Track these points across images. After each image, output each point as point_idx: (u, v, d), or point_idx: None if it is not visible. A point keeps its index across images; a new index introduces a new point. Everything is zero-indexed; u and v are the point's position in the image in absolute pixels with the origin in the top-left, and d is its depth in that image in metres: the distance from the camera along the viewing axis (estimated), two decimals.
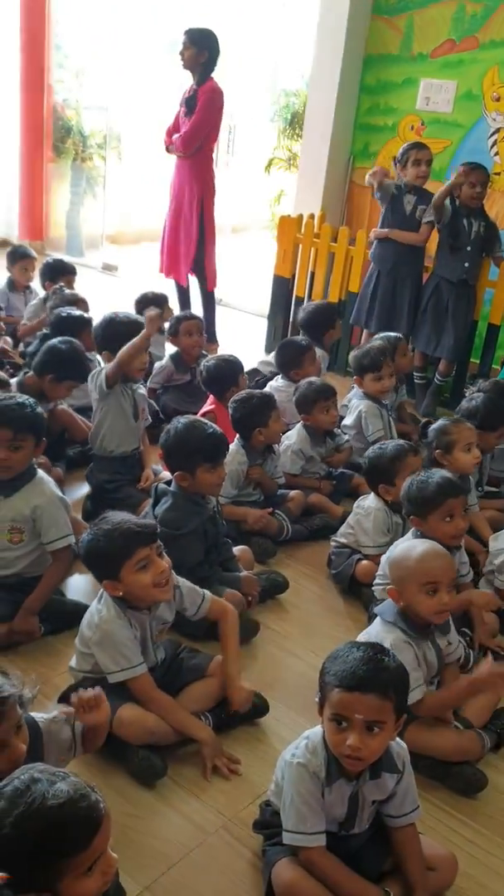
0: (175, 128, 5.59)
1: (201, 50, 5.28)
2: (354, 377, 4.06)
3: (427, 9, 5.23)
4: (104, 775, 2.19)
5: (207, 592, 2.45)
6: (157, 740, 2.21)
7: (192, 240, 5.63)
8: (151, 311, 3.43)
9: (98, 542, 2.19)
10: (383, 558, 2.74)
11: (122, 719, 2.16)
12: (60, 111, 7.81)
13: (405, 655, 2.16)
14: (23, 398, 2.66)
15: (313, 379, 3.82)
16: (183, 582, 2.40)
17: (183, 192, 5.61)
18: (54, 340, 3.65)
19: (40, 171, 7.80)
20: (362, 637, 2.31)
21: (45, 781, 1.32)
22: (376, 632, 2.30)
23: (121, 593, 2.20)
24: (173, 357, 4.52)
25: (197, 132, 5.38)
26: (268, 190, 9.67)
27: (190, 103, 5.42)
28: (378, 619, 2.34)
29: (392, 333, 4.43)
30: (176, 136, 5.51)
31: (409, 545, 2.36)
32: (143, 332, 3.33)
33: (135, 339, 3.30)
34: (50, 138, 7.77)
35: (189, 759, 2.28)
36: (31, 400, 2.68)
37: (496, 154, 5.13)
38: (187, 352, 4.47)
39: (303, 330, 4.63)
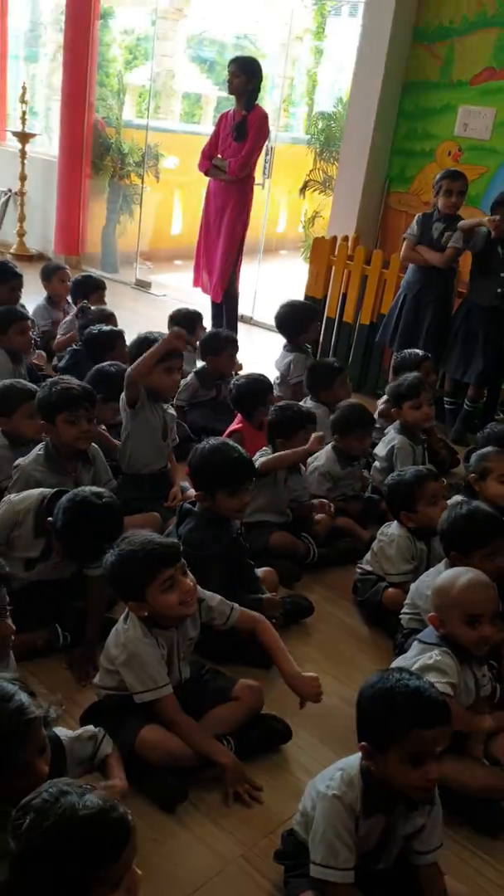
0: (211, 151, 5.70)
1: (250, 78, 5.48)
2: (392, 409, 4.01)
3: (468, 36, 5.24)
4: (123, 797, 2.16)
5: (236, 604, 2.44)
6: (178, 763, 2.19)
7: (230, 259, 5.74)
8: (176, 329, 3.44)
9: (122, 564, 2.18)
10: (412, 587, 2.71)
11: (145, 741, 2.14)
12: (101, 129, 7.90)
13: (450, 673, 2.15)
14: None
15: (355, 403, 3.81)
16: (209, 595, 2.39)
17: (222, 212, 5.70)
18: (104, 364, 3.70)
19: (78, 187, 7.89)
20: (398, 664, 2.28)
21: (73, 794, 1.31)
22: (414, 654, 2.27)
23: (146, 613, 2.19)
24: (198, 373, 4.54)
25: (251, 156, 5.57)
26: (302, 211, 9.71)
27: (240, 129, 5.54)
28: (416, 644, 2.32)
29: (417, 350, 4.44)
30: (217, 158, 5.65)
31: (454, 573, 2.31)
32: (156, 346, 3.29)
33: (145, 355, 3.28)
34: (89, 155, 7.86)
35: (210, 783, 2.25)
36: None
37: None
38: (221, 368, 4.48)
39: (278, 328, 4.80)
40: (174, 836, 2.11)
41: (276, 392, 4.45)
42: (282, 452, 3.34)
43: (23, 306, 4.77)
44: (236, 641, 2.62)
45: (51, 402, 2.92)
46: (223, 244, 5.72)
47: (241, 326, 6.53)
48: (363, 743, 1.75)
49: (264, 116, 5.58)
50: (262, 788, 2.28)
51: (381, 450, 3.96)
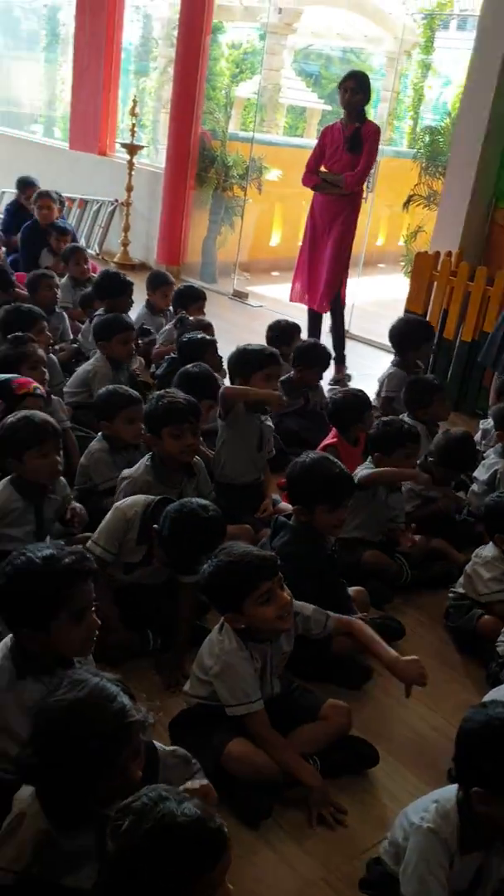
0: (316, 165, 5.69)
1: (367, 94, 5.55)
2: (496, 432, 3.92)
3: None
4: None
5: (330, 612, 2.42)
6: (264, 779, 2.17)
7: (339, 272, 5.77)
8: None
9: (220, 575, 2.17)
10: None
11: (231, 754, 2.13)
12: (207, 141, 8.02)
13: None
14: None
15: (464, 434, 3.75)
16: (303, 605, 2.37)
17: (330, 226, 5.69)
18: (187, 366, 3.72)
19: (182, 198, 8.02)
20: (492, 696, 2.21)
21: (172, 800, 1.31)
22: None
23: (242, 626, 2.18)
24: (283, 383, 4.52)
25: (367, 170, 5.59)
26: (404, 226, 9.61)
27: (354, 140, 5.54)
28: None
29: None
30: (325, 172, 5.65)
31: None
32: (255, 392, 3.45)
33: (266, 393, 3.44)
34: (194, 167, 7.98)
35: (294, 802, 2.22)
36: None
37: None
38: (310, 381, 4.48)
39: (390, 340, 4.79)
40: (256, 853, 2.09)
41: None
42: (387, 469, 3.28)
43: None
44: (327, 659, 2.59)
45: (157, 416, 2.95)
46: (332, 257, 5.71)
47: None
48: (477, 789, 1.67)
49: (377, 130, 5.59)
50: (346, 812, 2.24)
51: (481, 473, 3.85)
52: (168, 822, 1.27)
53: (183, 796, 1.33)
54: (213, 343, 4.19)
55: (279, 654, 2.31)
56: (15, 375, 3.20)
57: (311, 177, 5.73)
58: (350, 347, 6.26)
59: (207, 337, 4.27)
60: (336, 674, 2.65)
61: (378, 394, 4.74)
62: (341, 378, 5.81)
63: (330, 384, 5.44)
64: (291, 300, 6.16)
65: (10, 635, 1.94)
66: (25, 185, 6.87)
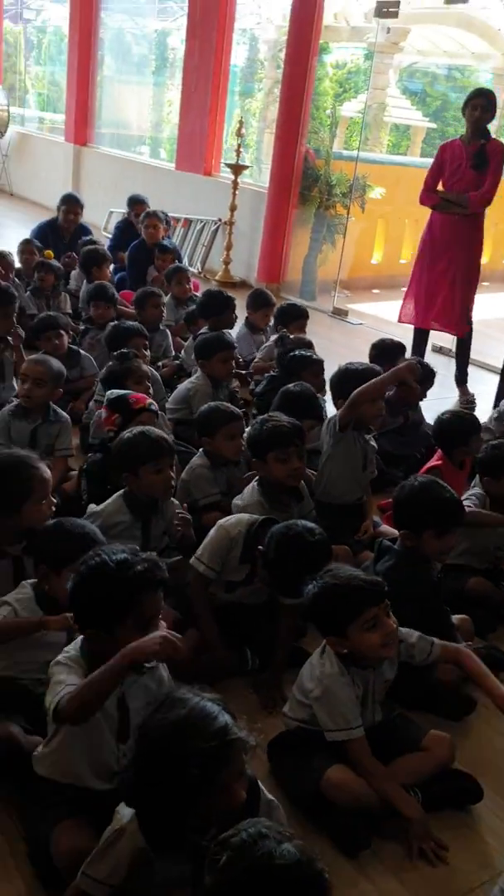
0: (434, 182, 5.59)
1: (494, 112, 5.43)
2: None
3: None
4: (304, 836, 2.10)
5: (435, 639, 2.35)
6: (363, 808, 2.12)
7: (471, 293, 5.67)
8: (411, 361, 3.40)
9: (326, 598, 2.14)
10: None
11: (331, 781, 2.09)
12: (311, 160, 8.05)
13: None
14: None
15: None
16: (407, 633, 2.31)
17: (453, 245, 5.56)
18: (288, 385, 3.72)
19: (285, 217, 8.07)
20: None
21: (272, 839, 1.28)
22: None
23: (345, 651, 2.15)
24: (387, 401, 4.46)
25: (494, 190, 5.43)
26: None
27: (479, 159, 5.41)
28: None
29: None
30: (444, 191, 5.53)
31: None
32: (387, 374, 3.32)
33: (373, 381, 3.29)
34: (297, 186, 8.03)
35: (393, 834, 2.15)
36: None
37: None
38: (410, 399, 4.41)
39: None
40: (353, 885, 2.03)
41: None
42: (488, 514, 3.19)
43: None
44: (429, 688, 2.53)
45: (261, 440, 2.93)
46: (464, 279, 5.58)
47: (439, 360, 6.38)
48: None
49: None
50: (447, 849, 2.16)
51: None
52: (265, 864, 1.24)
53: (284, 836, 1.30)
54: (317, 363, 4.16)
55: (381, 681, 2.26)
56: (130, 392, 3.28)
57: (431, 195, 5.60)
58: (453, 367, 6.15)
59: (313, 355, 4.25)
60: (438, 704, 2.57)
61: (498, 416, 4.63)
62: (470, 400, 5.70)
63: (462, 405, 5.32)
64: (401, 321, 6.04)
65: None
66: (135, 202, 7.06)
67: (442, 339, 7.10)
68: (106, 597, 1.85)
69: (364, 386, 3.30)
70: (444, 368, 6.29)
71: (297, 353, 4.21)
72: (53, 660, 1.92)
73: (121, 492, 2.79)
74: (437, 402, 5.00)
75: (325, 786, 2.08)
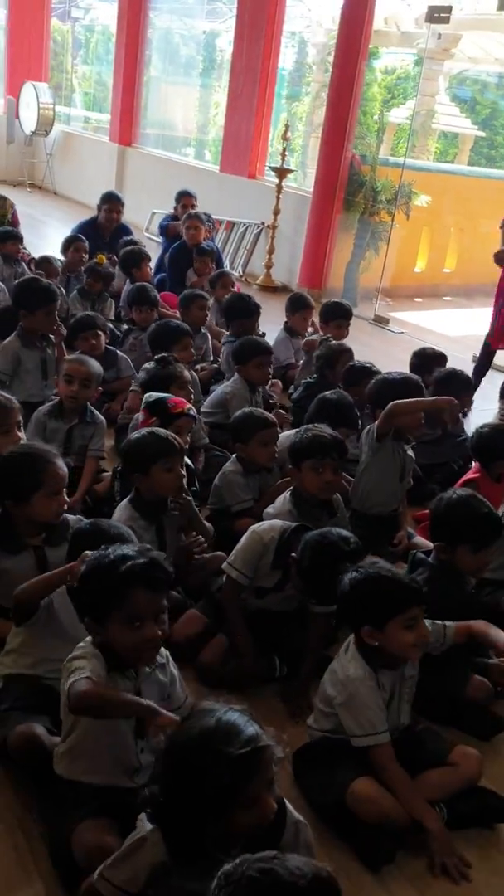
0: None
1: None
2: None
3: None
4: (328, 848, 2.10)
5: (448, 622, 2.41)
6: (388, 822, 2.09)
7: None
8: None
9: (374, 587, 2.14)
10: None
11: (357, 794, 2.07)
12: (357, 166, 8.02)
13: None
14: None
15: None
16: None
17: None
18: (325, 393, 3.71)
19: (328, 222, 8.04)
20: None
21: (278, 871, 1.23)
22: None
23: (376, 643, 2.14)
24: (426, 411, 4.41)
25: None
26: None
27: None
28: None
29: None
30: None
31: None
32: (424, 400, 3.35)
33: (412, 401, 3.29)
34: (342, 191, 8.00)
35: (416, 848, 2.13)
36: None
37: None
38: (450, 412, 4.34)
39: None
40: None
41: None
42: None
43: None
44: (458, 705, 2.50)
45: (301, 448, 2.93)
46: None
47: (490, 373, 6.28)
48: None
49: None
50: (471, 866, 2.13)
51: None
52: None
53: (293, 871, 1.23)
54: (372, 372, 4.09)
55: (406, 680, 2.25)
56: (170, 395, 3.28)
57: None
58: (493, 378, 6.07)
59: (373, 367, 4.21)
60: (466, 721, 2.54)
61: None
62: None
63: (501, 418, 5.15)
64: (495, 347, 5.84)
65: None
66: (183, 195, 7.14)
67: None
68: (96, 587, 1.90)
69: (402, 402, 3.29)
70: (486, 381, 6.24)
71: (357, 363, 4.20)
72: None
73: (126, 500, 2.80)
74: (479, 414, 4.95)
75: (351, 799, 2.07)
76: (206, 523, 3.03)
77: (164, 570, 1.94)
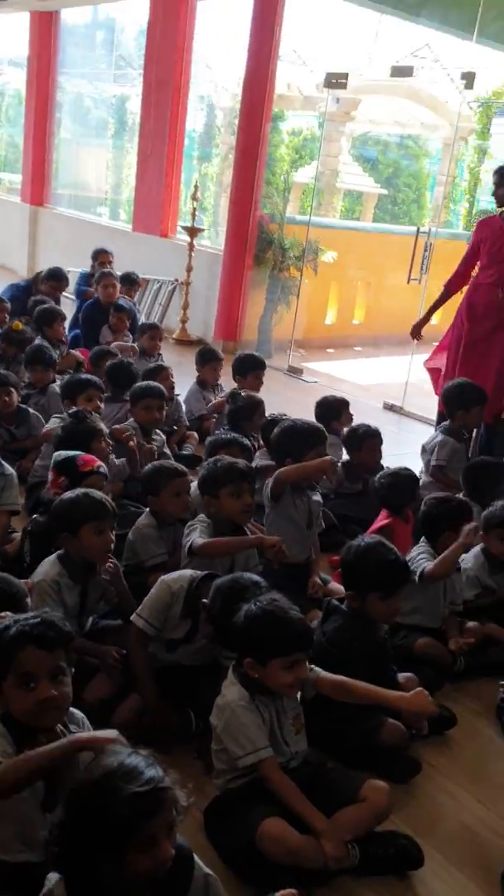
0: (467, 265, 5.32)
1: None
2: None
3: None
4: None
5: (319, 669, 2.40)
6: (299, 862, 2.06)
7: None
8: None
9: (266, 625, 2.17)
10: None
11: (265, 833, 2.04)
12: (265, 225, 8.24)
13: None
14: None
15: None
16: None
17: (496, 330, 5.22)
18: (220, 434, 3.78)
19: (240, 278, 8.22)
20: None
21: None
22: None
23: (256, 676, 2.18)
24: (345, 465, 4.49)
25: None
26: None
27: None
28: None
29: None
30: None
31: None
32: (308, 465, 3.40)
33: (295, 467, 3.39)
34: (252, 249, 8.20)
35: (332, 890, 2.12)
36: None
37: None
38: (366, 462, 4.43)
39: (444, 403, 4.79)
40: None
41: (423, 478, 4.50)
42: (443, 557, 3.18)
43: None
44: (373, 751, 2.51)
45: (216, 476, 3.02)
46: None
47: (390, 416, 6.43)
48: None
49: None
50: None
51: None
52: None
53: None
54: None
55: (289, 711, 2.27)
56: (80, 453, 3.24)
57: (458, 283, 5.36)
58: (403, 423, 6.26)
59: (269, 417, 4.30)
60: (383, 766, 2.53)
61: (427, 463, 4.71)
62: None
63: None
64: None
65: None
66: (100, 253, 7.27)
67: (394, 396, 7.24)
68: None
69: (286, 469, 3.39)
70: (394, 426, 6.42)
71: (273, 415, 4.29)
72: None
73: (55, 554, 2.77)
74: (393, 459, 5.04)
75: (261, 839, 2.03)
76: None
77: (59, 629, 1.90)
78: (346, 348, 9.61)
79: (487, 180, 11.49)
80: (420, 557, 3.24)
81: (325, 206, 12.00)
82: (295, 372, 8.01)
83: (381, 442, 4.50)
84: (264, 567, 3.30)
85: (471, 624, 3.32)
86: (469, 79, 7.14)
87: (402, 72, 8.79)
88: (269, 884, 2.02)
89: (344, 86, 7.74)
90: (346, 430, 4.62)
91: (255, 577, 2.56)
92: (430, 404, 6.41)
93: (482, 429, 5.41)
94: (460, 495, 3.90)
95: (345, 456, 4.61)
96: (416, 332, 5.64)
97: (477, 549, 3.58)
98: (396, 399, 7.20)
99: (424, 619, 3.22)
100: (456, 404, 4.70)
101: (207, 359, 5.61)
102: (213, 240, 9.93)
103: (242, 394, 4.65)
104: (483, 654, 3.29)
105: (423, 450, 4.84)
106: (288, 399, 6.67)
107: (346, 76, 7.60)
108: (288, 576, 3.40)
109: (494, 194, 5.21)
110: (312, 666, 2.38)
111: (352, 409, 4.93)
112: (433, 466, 4.63)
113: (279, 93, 9.41)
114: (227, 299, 8.27)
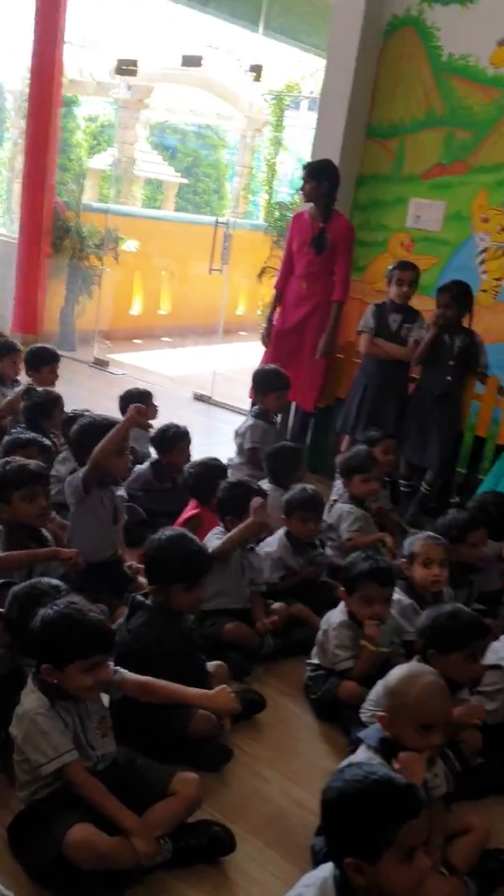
0: (289, 264, 5.45)
1: (320, 181, 5.21)
2: (342, 479, 4.08)
3: (418, 134, 5.44)
4: None
5: (122, 669, 2.40)
6: (109, 865, 2.03)
7: (322, 367, 5.50)
8: (135, 405, 3.36)
9: (61, 629, 2.11)
10: (379, 683, 2.58)
11: (71, 842, 1.98)
12: (61, 212, 8.01)
13: None
14: None
15: (308, 487, 3.75)
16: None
17: (306, 321, 5.43)
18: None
19: (37, 267, 7.93)
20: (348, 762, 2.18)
21: None
22: (362, 759, 2.17)
23: (56, 682, 2.12)
24: (154, 465, 4.45)
25: (348, 276, 5.36)
26: (260, 296, 9.87)
27: (319, 242, 5.24)
28: (363, 746, 2.21)
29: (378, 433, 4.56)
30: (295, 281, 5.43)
31: (410, 675, 2.20)
32: (118, 427, 3.28)
33: (108, 436, 3.25)
34: (48, 237, 7.94)
35: (148, 892, 2.11)
36: None
37: (484, 272, 5.25)
38: (176, 462, 4.38)
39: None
40: None
41: (235, 460, 4.66)
42: (230, 534, 3.27)
43: None
44: (184, 743, 2.52)
45: (6, 481, 2.92)
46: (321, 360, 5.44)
47: (199, 407, 6.49)
48: (349, 860, 1.62)
49: (350, 229, 5.32)
50: None
51: (329, 517, 4.03)
52: None
53: None
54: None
55: (93, 714, 2.23)
56: None
57: (280, 282, 5.53)
58: (213, 413, 6.32)
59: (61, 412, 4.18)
60: (195, 757, 2.55)
61: (240, 446, 4.81)
62: None
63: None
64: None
65: None
66: None
67: (202, 386, 7.30)
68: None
69: (99, 445, 3.25)
70: (203, 415, 6.47)
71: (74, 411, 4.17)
72: None
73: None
74: (204, 449, 5.07)
75: (67, 848, 1.97)
76: None
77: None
78: (153, 339, 9.56)
79: (283, 172, 11.80)
80: (213, 537, 3.32)
81: (124, 194, 11.85)
82: (101, 364, 7.87)
83: (189, 443, 4.48)
84: (67, 568, 3.22)
85: (276, 605, 3.41)
86: (257, 71, 7.28)
87: (191, 61, 8.81)
88: (82, 894, 1.99)
89: (134, 73, 7.67)
90: (152, 432, 4.55)
91: (55, 582, 2.49)
92: (238, 393, 6.53)
93: (299, 415, 5.64)
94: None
95: (154, 455, 4.57)
96: (264, 340, 5.71)
97: (280, 532, 3.69)
98: (205, 389, 7.26)
99: (228, 600, 3.27)
100: (258, 389, 4.99)
101: (4, 352, 5.35)
102: (8, 227, 9.53)
103: (39, 389, 4.49)
104: (289, 635, 3.39)
105: (236, 434, 5.00)
106: (94, 392, 6.55)
107: (135, 63, 7.52)
108: (94, 575, 3.33)
109: (301, 189, 5.39)
110: (117, 668, 2.35)
111: (162, 401, 4.93)
112: (247, 449, 4.81)
113: (71, 77, 9.16)
114: (24, 290, 7.95)
